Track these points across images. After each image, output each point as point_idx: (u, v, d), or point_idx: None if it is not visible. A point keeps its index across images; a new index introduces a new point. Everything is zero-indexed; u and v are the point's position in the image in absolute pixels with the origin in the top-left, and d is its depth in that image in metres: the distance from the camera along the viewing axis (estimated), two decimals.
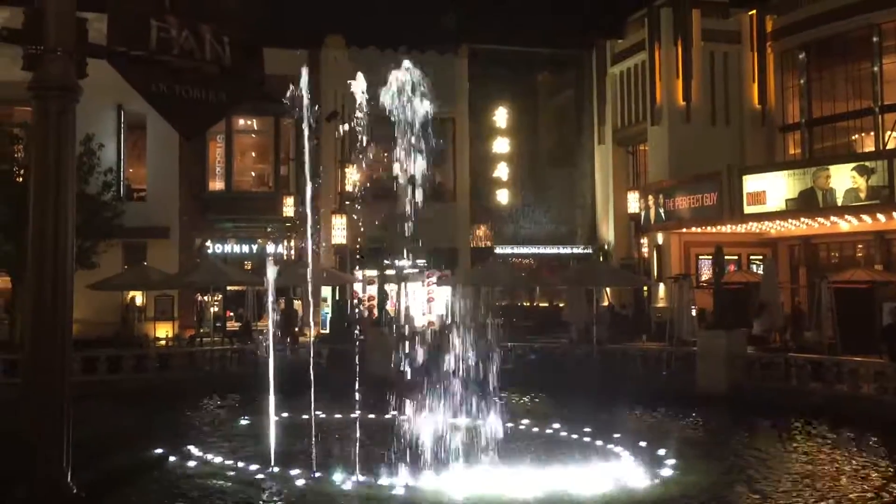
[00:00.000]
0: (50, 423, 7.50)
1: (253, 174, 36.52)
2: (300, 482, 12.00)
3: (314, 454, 12.84)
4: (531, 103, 39.30)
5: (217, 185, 33.89)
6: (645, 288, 33.45)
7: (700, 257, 31.66)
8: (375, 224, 32.95)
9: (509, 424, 17.19)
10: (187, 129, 6.71)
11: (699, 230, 30.78)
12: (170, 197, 32.45)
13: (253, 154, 36.51)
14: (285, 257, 33.81)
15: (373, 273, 33.57)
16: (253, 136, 35.95)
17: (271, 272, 13.88)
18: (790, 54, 32.66)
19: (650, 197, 32.04)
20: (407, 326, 31.09)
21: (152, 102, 5.95)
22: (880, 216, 25.72)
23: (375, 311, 30.95)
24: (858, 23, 29.65)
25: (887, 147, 28.40)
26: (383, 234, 33.09)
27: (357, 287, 34.38)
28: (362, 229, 30.28)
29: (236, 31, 6.25)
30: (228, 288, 31.65)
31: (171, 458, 13.46)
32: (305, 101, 12.53)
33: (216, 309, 32.40)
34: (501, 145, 37.69)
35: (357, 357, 16.22)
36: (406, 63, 13.97)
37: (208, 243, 33.30)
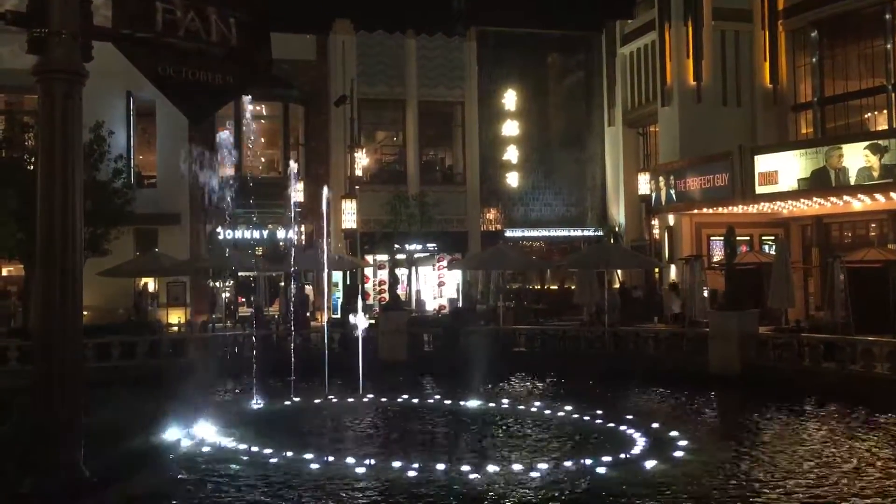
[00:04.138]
0: (62, 410, 7.51)
1: (263, 160, 36.49)
2: (314, 466, 12.02)
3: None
4: (541, 85, 39.08)
5: (227, 171, 33.86)
6: (656, 270, 33.35)
7: (711, 238, 31.50)
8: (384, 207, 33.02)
9: (521, 407, 17.24)
10: (195, 113, 6.68)
11: (710, 211, 30.61)
12: (180, 183, 32.46)
13: (262, 139, 36.47)
14: (296, 242, 33.81)
15: (383, 257, 33.57)
16: (262, 121, 35.91)
17: None
18: (802, 32, 32.33)
19: (661, 178, 31.86)
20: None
21: (159, 85, 5.91)
22: (893, 195, 25.49)
23: (386, 296, 30.97)
24: (871, 0, 29.33)
25: None
26: (393, 219, 33.09)
27: (368, 271, 34.38)
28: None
29: (242, 13, 6.20)
30: (240, 274, 31.72)
31: (185, 443, 13.50)
32: None
33: (228, 295, 32.48)
34: (511, 128, 37.53)
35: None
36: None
37: (219, 229, 33.34)
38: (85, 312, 7.06)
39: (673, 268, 32.02)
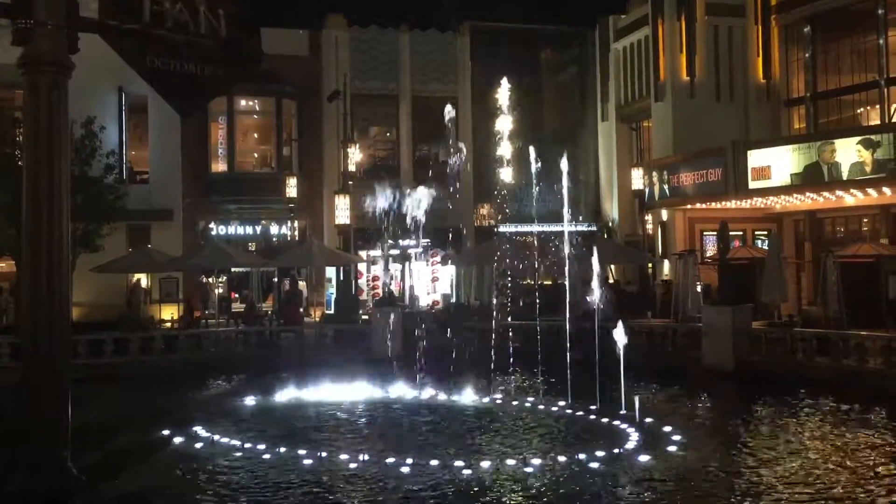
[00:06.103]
0: (50, 407, 7.44)
1: (255, 155, 36.41)
2: (307, 461, 11.99)
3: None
4: (534, 81, 39.01)
5: (220, 166, 33.80)
6: (650, 265, 33.35)
7: (705, 233, 31.50)
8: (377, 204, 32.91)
9: (516, 402, 17.22)
10: (184, 106, 6.62)
11: (704, 206, 30.60)
12: (172, 179, 32.38)
13: (255, 135, 36.39)
14: (289, 238, 33.75)
15: (377, 253, 33.50)
16: (255, 116, 35.82)
17: None
18: (795, 27, 32.33)
19: (654, 173, 31.86)
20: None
21: (147, 78, 5.85)
22: (886, 190, 25.53)
23: (380, 291, 30.92)
24: None
25: (893, 120, 28.16)
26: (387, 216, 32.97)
27: (361, 267, 34.29)
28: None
29: (231, 5, 6.15)
30: (233, 269, 31.65)
31: (177, 440, 13.45)
32: None
33: (221, 290, 32.40)
34: (504, 123, 37.48)
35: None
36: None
37: (212, 225, 33.28)
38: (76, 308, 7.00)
39: (666, 263, 32.05)
